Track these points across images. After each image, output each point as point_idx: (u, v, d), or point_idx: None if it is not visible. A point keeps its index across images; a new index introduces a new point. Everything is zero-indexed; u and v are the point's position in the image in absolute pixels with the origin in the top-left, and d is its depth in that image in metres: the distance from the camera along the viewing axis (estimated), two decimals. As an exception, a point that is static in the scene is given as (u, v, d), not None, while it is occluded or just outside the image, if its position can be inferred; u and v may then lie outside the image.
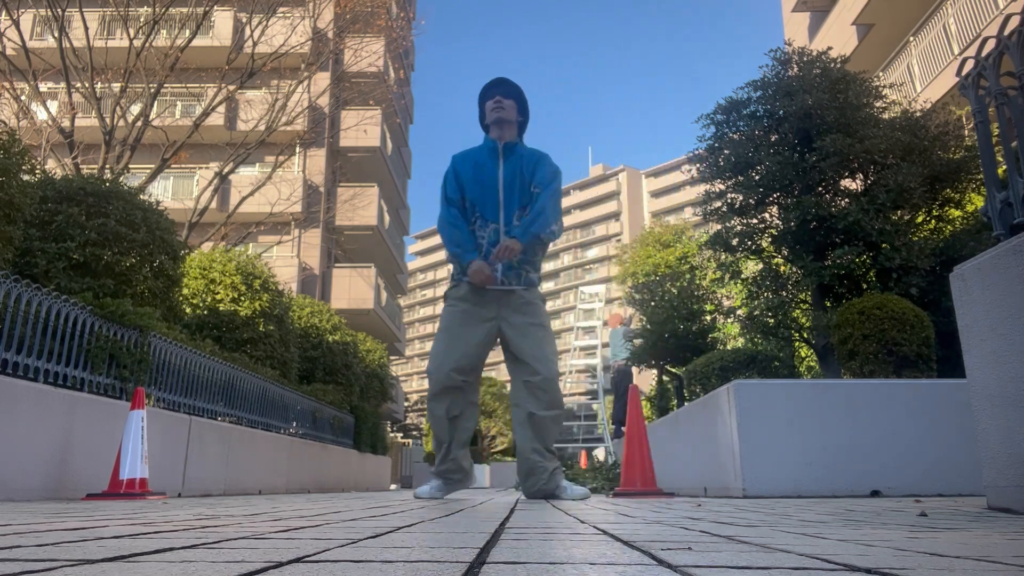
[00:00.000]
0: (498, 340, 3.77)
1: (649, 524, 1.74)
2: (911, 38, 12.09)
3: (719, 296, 10.06)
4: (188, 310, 7.89)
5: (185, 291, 7.81)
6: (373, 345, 14.38)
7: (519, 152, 3.80)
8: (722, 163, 7.42)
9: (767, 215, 7.46)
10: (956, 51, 10.60)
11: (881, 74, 11.44)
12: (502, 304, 3.65)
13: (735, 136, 7.59)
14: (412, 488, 22.19)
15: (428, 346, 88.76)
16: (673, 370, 10.22)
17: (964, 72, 2.75)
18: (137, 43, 12.57)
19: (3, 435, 3.71)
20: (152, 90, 12.71)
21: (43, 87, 13.50)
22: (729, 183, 7.50)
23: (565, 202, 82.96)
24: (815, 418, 4.52)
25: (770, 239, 7.40)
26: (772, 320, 7.44)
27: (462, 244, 3.68)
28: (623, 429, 7.77)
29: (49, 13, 11.88)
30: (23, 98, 12.77)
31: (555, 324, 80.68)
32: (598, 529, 1.55)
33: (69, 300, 4.56)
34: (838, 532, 1.46)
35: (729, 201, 7.54)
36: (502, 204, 3.69)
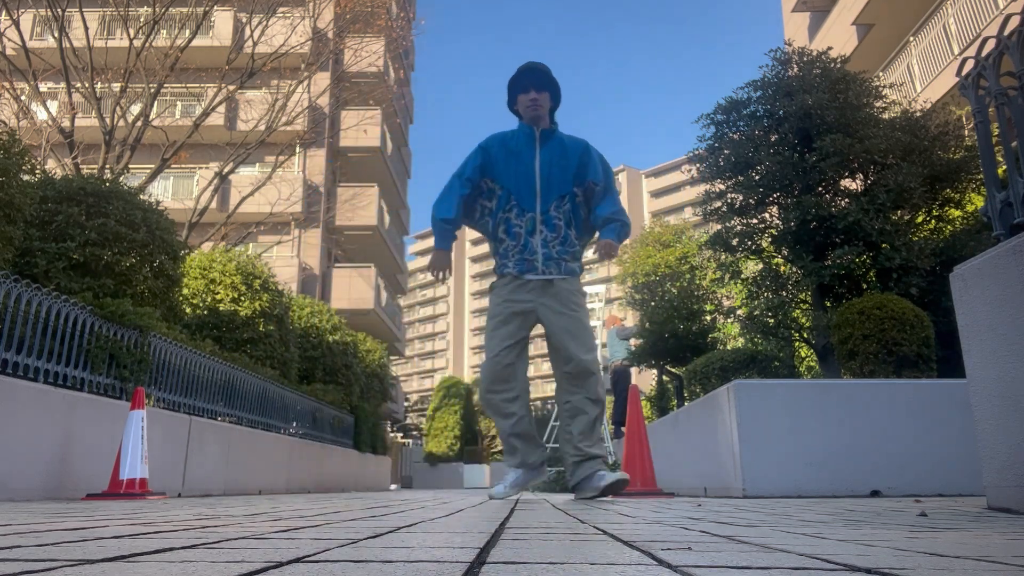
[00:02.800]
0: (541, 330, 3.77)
1: (649, 524, 1.74)
2: (911, 38, 12.09)
3: (719, 296, 10.07)
4: (188, 310, 7.89)
5: (185, 291, 7.81)
6: (373, 345, 14.38)
7: (557, 139, 3.75)
8: (722, 163, 7.42)
9: (767, 215, 7.47)
10: (956, 51, 10.60)
11: (881, 74, 11.44)
12: (541, 293, 3.63)
13: (735, 136, 7.59)
14: (412, 488, 22.19)
15: (428, 346, 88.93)
16: (673, 370, 10.23)
17: (964, 72, 2.75)
18: (137, 43, 12.57)
19: (3, 435, 3.71)
20: (152, 90, 12.71)
21: (43, 87, 13.51)
22: (729, 183, 7.50)
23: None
24: (815, 418, 4.52)
25: (770, 239, 7.40)
26: (772, 320, 7.44)
27: (449, 222, 3.66)
28: (623, 429, 7.77)
29: (49, 13, 11.88)
30: (23, 98, 12.77)
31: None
32: (598, 529, 1.55)
33: (69, 300, 4.56)
34: (838, 532, 1.46)
35: (729, 201, 7.54)
36: (539, 193, 3.64)
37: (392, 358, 24.02)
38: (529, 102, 3.67)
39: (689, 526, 1.66)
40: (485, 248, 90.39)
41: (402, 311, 32.79)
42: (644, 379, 17.51)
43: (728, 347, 10.06)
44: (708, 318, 10.05)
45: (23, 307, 4.09)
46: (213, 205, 16.72)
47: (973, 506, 2.66)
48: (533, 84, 3.68)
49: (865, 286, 6.91)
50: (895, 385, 4.68)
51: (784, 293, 7.44)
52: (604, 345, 14.23)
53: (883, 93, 7.61)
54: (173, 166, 15.35)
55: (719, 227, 7.62)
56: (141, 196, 6.58)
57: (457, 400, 26.68)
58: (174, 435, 5.52)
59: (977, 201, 6.97)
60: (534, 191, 3.64)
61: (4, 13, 11.62)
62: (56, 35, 11.80)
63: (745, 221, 7.51)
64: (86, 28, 12.14)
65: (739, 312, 8.51)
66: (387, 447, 17.39)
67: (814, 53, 7.69)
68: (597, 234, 3.83)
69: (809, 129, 7.05)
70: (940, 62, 11.13)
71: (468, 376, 60.86)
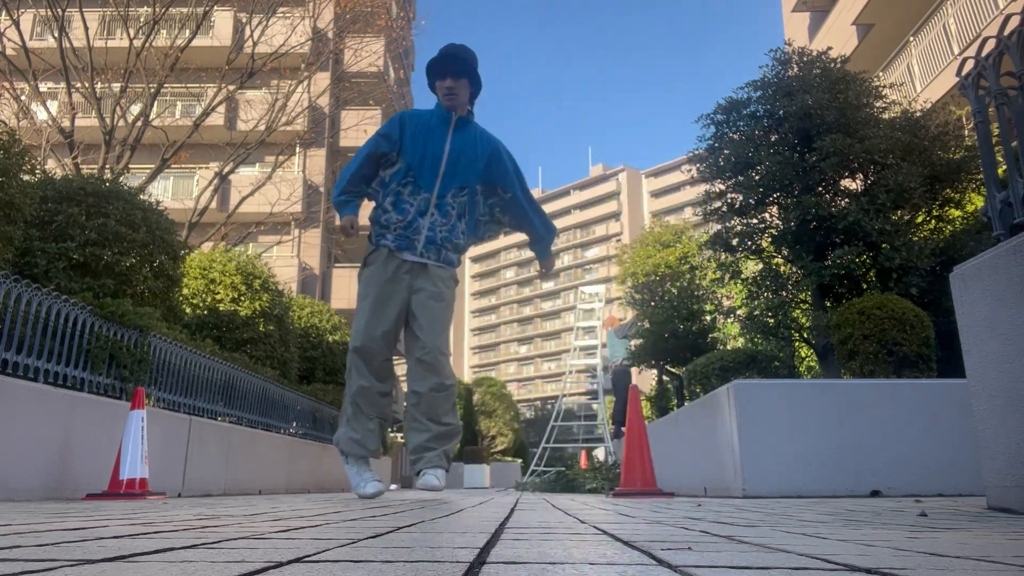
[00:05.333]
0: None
1: (649, 524, 1.74)
2: (911, 38, 12.09)
3: (719, 296, 10.07)
4: (188, 310, 7.89)
5: (185, 291, 7.81)
6: (373, 345, 14.35)
7: (471, 130, 3.70)
8: (722, 163, 7.42)
9: (767, 215, 7.47)
10: (956, 51, 10.59)
11: (881, 74, 11.44)
12: (415, 275, 3.57)
13: (735, 136, 7.59)
14: (412, 488, 22.20)
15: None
16: (673, 370, 10.22)
17: (964, 72, 2.75)
18: (137, 43, 12.57)
19: (3, 435, 3.71)
20: (152, 90, 12.71)
21: (43, 87, 13.50)
22: (729, 183, 7.50)
23: (565, 202, 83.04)
24: (815, 418, 4.52)
25: (770, 239, 7.40)
26: (772, 320, 7.44)
27: (350, 196, 3.64)
28: (623, 429, 7.77)
29: (49, 13, 11.89)
30: (23, 98, 12.78)
31: (555, 324, 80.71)
32: (598, 529, 1.55)
33: (69, 300, 4.56)
34: (838, 532, 1.46)
35: (729, 201, 7.54)
36: (441, 176, 3.57)
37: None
38: (446, 90, 3.59)
39: (689, 526, 1.65)
40: (486, 248, 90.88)
41: (402, 311, 32.73)
42: (644, 379, 17.53)
43: (728, 347, 10.06)
44: (708, 318, 10.05)
45: (23, 307, 4.09)
46: (213, 205, 16.71)
47: (973, 506, 2.66)
48: (451, 71, 3.59)
49: (865, 286, 6.91)
50: (895, 385, 4.68)
51: (784, 293, 7.44)
52: (604, 345, 14.23)
53: (883, 93, 7.61)
54: (173, 166, 15.35)
55: (719, 227, 7.61)
56: (141, 196, 6.58)
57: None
58: (174, 435, 5.52)
59: (977, 201, 6.97)
60: (436, 173, 3.58)
61: (4, 13, 11.62)
62: (56, 35, 11.80)
63: (745, 221, 7.50)
64: (86, 28, 12.14)
65: (739, 312, 8.51)
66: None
67: (814, 53, 7.69)
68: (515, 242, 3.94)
69: (809, 129, 7.05)
70: (940, 62, 11.13)
71: (468, 376, 60.87)
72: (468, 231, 3.71)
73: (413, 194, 3.57)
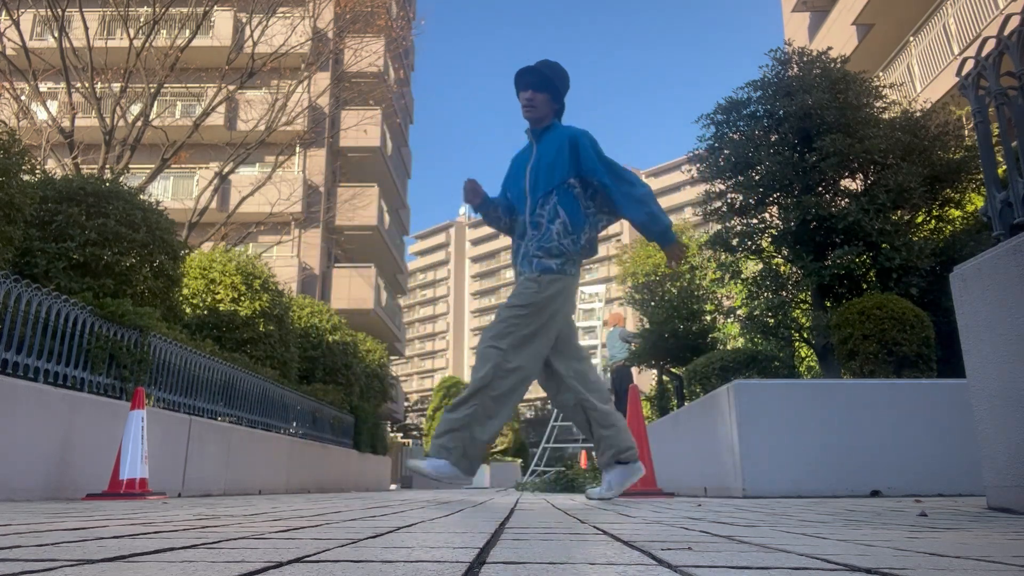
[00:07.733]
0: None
1: (649, 524, 1.74)
2: (911, 38, 12.09)
3: (719, 296, 10.06)
4: (188, 310, 7.89)
5: (185, 291, 7.81)
6: (373, 345, 14.38)
7: (552, 132, 3.66)
8: (722, 163, 7.42)
9: (767, 215, 7.47)
10: (956, 51, 10.59)
11: (881, 74, 11.44)
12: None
13: (735, 136, 7.59)
14: (412, 488, 22.21)
15: (428, 346, 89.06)
16: (673, 370, 10.22)
17: (964, 72, 2.75)
18: (137, 43, 12.57)
19: (3, 435, 3.71)
20: (152, 90, 12.70)
21: (43, 87, 13.50)
22: (729, 183, 7.50)
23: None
24: (815, 418, 4.52)
25: (770, 239, 7.40)
26: (772, 320, 7.44)
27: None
28: (623, 429, 7.75)
29: (49, 13, 11.88)
30: (23, 98, 12.77)
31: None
32: (598, 529, 1.55)
33: (69, 300, 4.56)
34: (838, 532, 1.46)
35: (729, 201, 7.54)
36: (528, 196, 3.57)
37: (392, 358, 24.02)
38: (525, 102, 3.61)
39: (689, 526, 1.66)
40: (485, 249, 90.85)
41: (402, 311, 32.80)
42: (644, 379, 17.52)
43: (728, 347, 10.06)
44: (708, 318, 10.04)
45: (23, 307, 4.09)
46: (213, 205, 16.72)
47: (973, 506, 2.66)
48: (530, 84, 3.59)
49: (865, 286, 6.91)
50: (895, 385, 4.68)
51: (784, 293, 7.44)
52: (604, 345, 14.23)
53: (883, 93, 7.61)
54: (173, 166, 15.35)
55: (719, 227, 7.61)
56: (141, 196, 6.57)
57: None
58: (174, 435, 5.52)
59: (977, 201, 6.97)
60: (524, 195, 3.60)
61: (4, 13, 11.62)
62: (56, 35, 11.80)
63: (745, 221, 7.50)
64: (86, 28, 12.14)
65: (739, 312, 8.50)
66: (387, 447, 17.39)
67: (814, 53, 7.69)
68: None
69: (809, 129, 7.05)
70: (940, 62, 11.13)
71: (468, 376, 60.79)
72: (574, 229, 3.54)
73: (520, 223, 3.61)
